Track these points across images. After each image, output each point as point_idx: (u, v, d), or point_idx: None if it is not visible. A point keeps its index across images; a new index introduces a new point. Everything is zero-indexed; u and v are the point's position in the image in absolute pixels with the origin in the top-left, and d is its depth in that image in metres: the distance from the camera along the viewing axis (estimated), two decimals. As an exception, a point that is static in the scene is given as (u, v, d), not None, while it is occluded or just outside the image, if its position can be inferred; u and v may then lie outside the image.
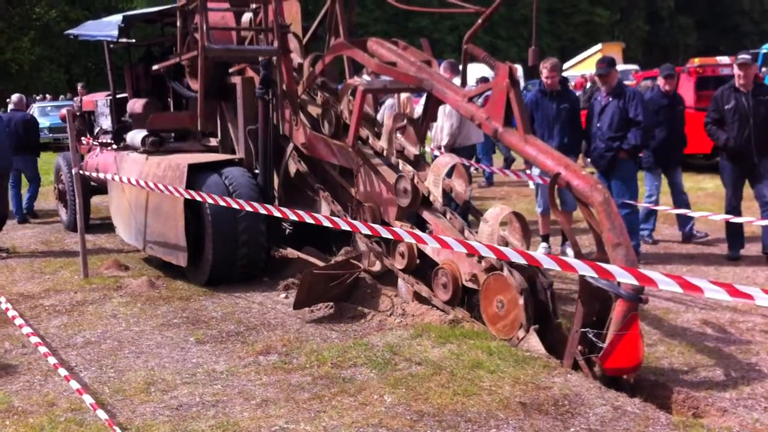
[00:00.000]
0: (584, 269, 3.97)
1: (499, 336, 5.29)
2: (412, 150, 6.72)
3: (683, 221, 9.09)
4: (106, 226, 10.52)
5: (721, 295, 3.44)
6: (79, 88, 18.26)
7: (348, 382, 4.81)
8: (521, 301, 5.11)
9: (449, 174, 6.42)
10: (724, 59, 17.10)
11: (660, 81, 9.04)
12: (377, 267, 6.82)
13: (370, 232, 5.10)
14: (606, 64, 8.16)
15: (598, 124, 8.01)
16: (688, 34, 70.86)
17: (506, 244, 5.41)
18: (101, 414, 4.21)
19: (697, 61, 16.56)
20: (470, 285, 5.68)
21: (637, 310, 4.61)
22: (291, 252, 7.56)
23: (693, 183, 12.88)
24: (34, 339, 5.06)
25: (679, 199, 8.99)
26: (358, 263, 6.62)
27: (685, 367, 5.16)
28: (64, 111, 9.07)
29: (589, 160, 9.50)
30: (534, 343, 5.06)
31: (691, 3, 70.40)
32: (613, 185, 7.86)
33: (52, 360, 4.88)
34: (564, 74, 9.52)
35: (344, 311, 6.35)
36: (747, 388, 4.75)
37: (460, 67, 7.10)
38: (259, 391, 4.74)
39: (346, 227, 5.31)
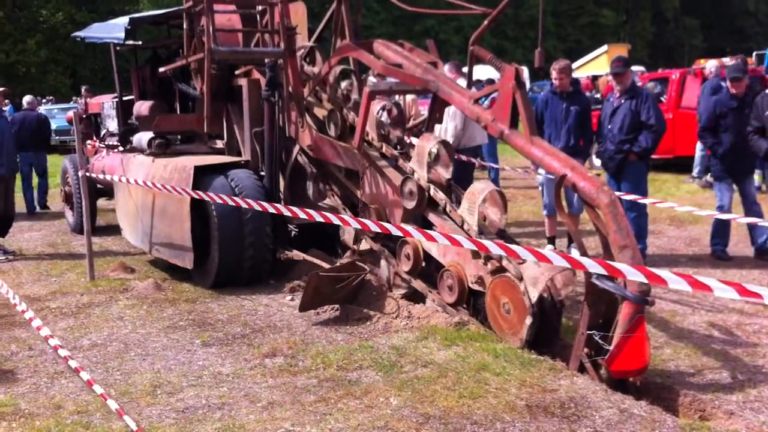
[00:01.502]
0: (594, 267, 3.96)
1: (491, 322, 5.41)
2: (444, 174, 6.40)
3: (757, 234, 8.19)
4: (112, 228, 10.54)
5: (730, 293, 3.42)
6: (83, 90, 18.30)
7: (354, 384, 4.80)
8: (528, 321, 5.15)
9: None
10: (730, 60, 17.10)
11: (728, 83, 8.23)
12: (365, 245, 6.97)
13: (379, 230, 5.09)
14: (622, 63, 8.13)
15: (609, 126, 7.98)
16: (694, 36, 70.81)
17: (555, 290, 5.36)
18: (129, 421, 4.19)
19: (703, 62, 16.56)
20: (476, 287, 5.68)
21: (643, 312, 4.60)
22: (297, 254, 7.57)
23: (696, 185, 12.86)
24: (54, 341, 5.02)
25: (752, 210, 8.11)
26: (363, 265, 6.62)
27: (692, 369, 5.14)
28: (70, 113, 9.15)
29: (598, 162, 9.40)
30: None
31: (696, 4, 70.33)
32: (622, 188, 7.83)
33: (73, 363, 4.86)
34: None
35: (350, 314, 6.35)
36: (754, 391, 4.74)
37: (465, 68, 7.09)
38: (265, 394, 4.74)
39: (356, 225, 5.31)
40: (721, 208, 8.12)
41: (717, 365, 5.20)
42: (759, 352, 5.41)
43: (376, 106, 7.05)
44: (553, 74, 8.32)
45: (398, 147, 6.98)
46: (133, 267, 8.47)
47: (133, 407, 4.62)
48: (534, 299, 5.08)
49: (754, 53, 22.75)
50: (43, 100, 32.60)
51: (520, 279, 5.20)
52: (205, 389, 4.87)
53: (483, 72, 21.22)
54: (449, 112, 8.64)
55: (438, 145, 6.39)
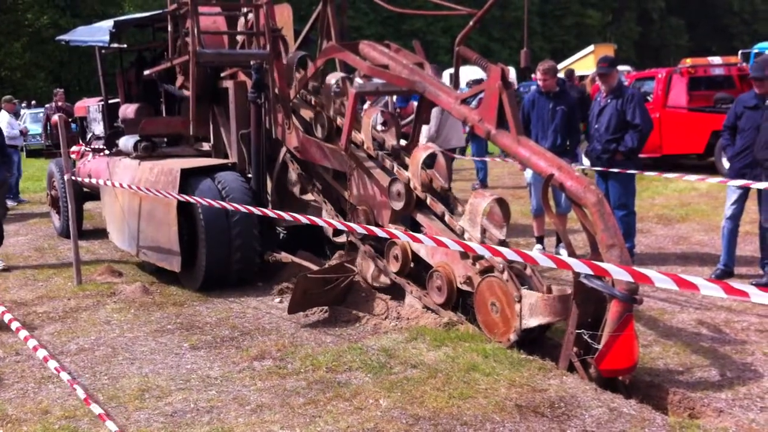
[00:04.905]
0: (580, 267, 3.95)
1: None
2: (498, 236, 5.74)
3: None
4: (99, 232, 10.48)
5: (717, 292, 3.41)
6: (59, 94, 17.80)
7: (343, 386, 4.79)
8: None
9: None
10: (716, 59, 17.19)
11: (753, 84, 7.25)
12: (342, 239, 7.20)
13: (365, 232, 5.07)
14: (608, 64, 8.10)
15: (596, 126, 7.99)
16: (680, 35, 71.30)
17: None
18: (111, 426, 4.16)
19: (689, 61, 16.63)
20: (465, 288, 5.67)
21: (632, 311, 4.60)
22: (285, 256, 7.54)
23: (686, 183, 12.90)
24: (32, 342, 4.99)
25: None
26: (352, 267, 6.60)
27: (681, 367, 5.15)
28: (56, 118, 9.07)
29: (586, 162, 9.32)
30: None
31: (682, 4, 70.78)
32: (610, 187, 7.84)
33: (54, 365, 4.83)
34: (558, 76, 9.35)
35: (339, 315, 6.33)
36: (743, 389, 4.75)
37: (450, 70, 7.09)
38: (253, 397, 4.72)
39: (341, 227, 5.30)
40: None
41: (706, 363, 5.21)
42: (747, 350, 5.42)
43: (372, 114, 6.94)
44: (538, 75, 8.36)
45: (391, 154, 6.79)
46: (121, 271, 8.42)
47: (121, 411, 4.59)
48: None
49: (740, 52, 22.90)
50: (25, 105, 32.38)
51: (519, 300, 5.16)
52: (194, 393, 4.85)
53: (470, 73, 21.24)
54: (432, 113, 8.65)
55: (492, 203, 5.83)
